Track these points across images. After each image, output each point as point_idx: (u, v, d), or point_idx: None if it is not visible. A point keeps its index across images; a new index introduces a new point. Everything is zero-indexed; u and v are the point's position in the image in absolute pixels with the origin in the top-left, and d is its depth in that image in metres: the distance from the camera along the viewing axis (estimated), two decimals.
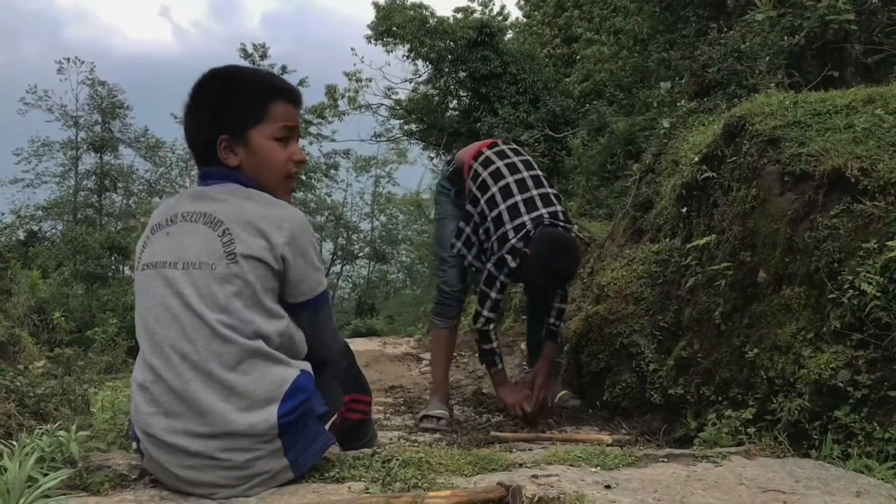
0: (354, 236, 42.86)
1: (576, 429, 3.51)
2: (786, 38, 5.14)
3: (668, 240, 4.00)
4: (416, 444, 3.27)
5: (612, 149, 11.64)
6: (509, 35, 19.44)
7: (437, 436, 3.42)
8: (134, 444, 1.85)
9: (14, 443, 1.82)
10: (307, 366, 1.86)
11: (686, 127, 5.00)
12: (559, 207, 3.61)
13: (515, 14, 21.27)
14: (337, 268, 43.85)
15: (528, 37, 19.06)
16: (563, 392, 3.90)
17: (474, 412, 3.91)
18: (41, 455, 1.85)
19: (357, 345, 6.23)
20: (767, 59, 5.10)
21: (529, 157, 3.84)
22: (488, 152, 3.81)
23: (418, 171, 41.61)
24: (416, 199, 40.19)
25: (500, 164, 3.71)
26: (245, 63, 36.74)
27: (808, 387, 2.57)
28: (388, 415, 3.95)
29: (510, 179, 3.63)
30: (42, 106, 40.35)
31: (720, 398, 3.04)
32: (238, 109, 1.86)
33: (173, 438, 1.69)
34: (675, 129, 5.09)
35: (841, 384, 2.46)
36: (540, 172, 3.75)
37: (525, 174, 3.67)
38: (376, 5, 16.90)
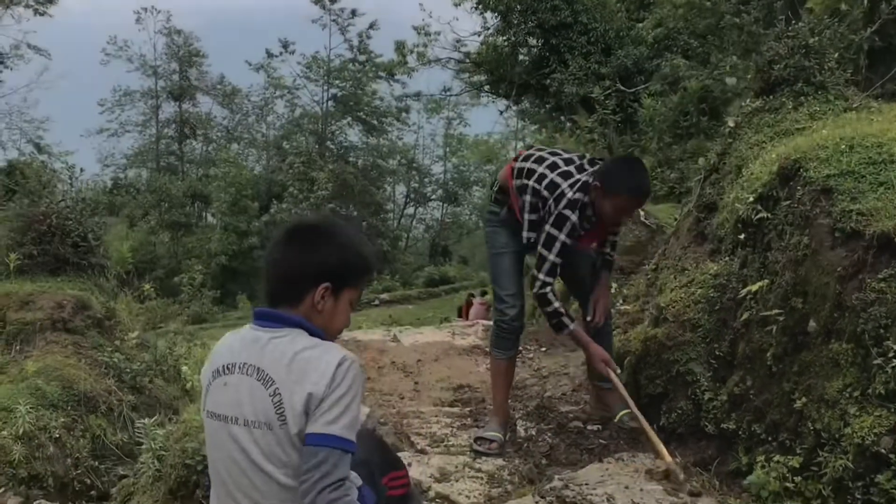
0: (426, 179, 43.08)
1: (633, 453, 3.68)
2: (859, 32, 5.02)
3: (727, 257, 4.05)
4: (479, 472, 3.51)
5: (685, 106, 11.45)
6: None
7: (501, 462, 3.64)
8: None
9: None
10: (358, 478, 2.06)
11: (751, 127, 4.96)
12: None
13: None
14: (410, 210, 44.40)
15: None
16: (624, 411, 4.04)
17: (536, 430, 4.10)
18: None
19: (427, 335, 6.48)
20: (837, 54, 4.98)
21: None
22: (525, 153, 4.01)
23: (491, 112, 41.41)
24: (487, 143, 39.97)
25: (538, 152, 3.92)
26: (316, 8, 36.78)
27: (852, 447, 2.68)
28: (454, 429, 4.19)
29: (552, 158, 3.80)
30: (122, 56, 41.55)
31: (770, 438, 3.16)
32: (349, 266, 2.06)
33: None
34: (739, 129, 5.05)
35: (883, 451, 2.56)
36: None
37: (565, 155, 3.85)
38: None
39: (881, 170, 2.98)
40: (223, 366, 2.00)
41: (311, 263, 2.02)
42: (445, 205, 43.42)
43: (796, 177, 3.24)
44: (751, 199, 3.50)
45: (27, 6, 23.65)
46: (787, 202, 3.26)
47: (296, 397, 1.88)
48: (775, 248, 3.31)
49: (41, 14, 24.90)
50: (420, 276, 32.32)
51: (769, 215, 3.39)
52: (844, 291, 2.84)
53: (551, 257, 3.62)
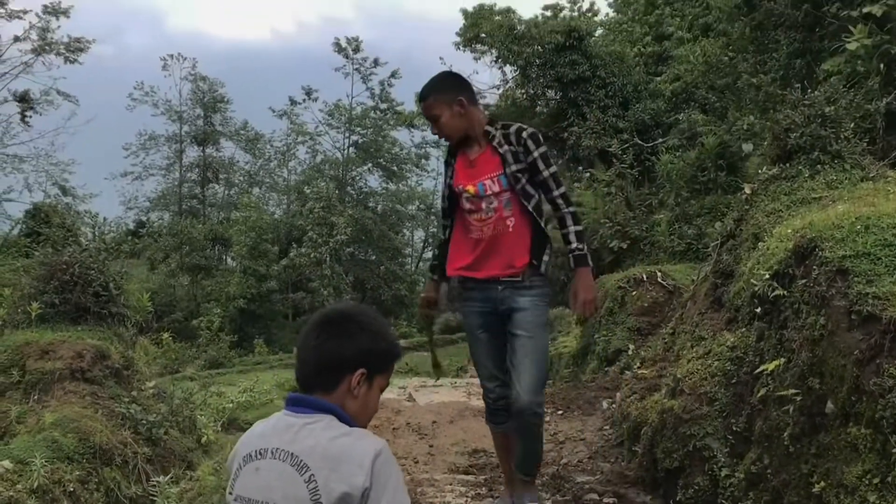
0: None
1: None
2: (874, 100, 5.06)
3: (744, 328, 4.04)
4: None
5: (702, 162, 11.49)
6: (599, 31, 19.25)
7: None
8: None
9: None
10: None
11: (767, 194, 4.98)
12: None
13: (605, 11, 20.96)
14: (428, 255, 44.50)
15: (617, 35, 18.83)
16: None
17: (551, 502, 4.06)
18: None
19: (443, 394, 6.47)
20: (853, 123, 5.02)
21: None
22: None
23: None
24: None
25: None
26: (339, 57, 37.46)
27: None
28: (469, 499, 4.16)
29: None
30: (148, 101, 42.29)
31: None
32: (382, 353, 2.09)
33: None
34: (756, 196, 5.07)
35: None
36: None
37: None
38: (465, 12, 17.04)
39: None
40: (255, 451, 2.01)
41: (348, 350, 2.04)
42: None
43: (812, 255, 3.25)
44: (766, 275, 3.50)
45: (58, 54, 24.20)
46: (803, 281, 3.26)
47: (332, 484, 1.88)
48: (791, 327, 3.31)
49: (72, 62, 25.49)
50: (437, 323, 32.23)
51: (785, 293, 3.39)
52: (862, 375, 2.83)
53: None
